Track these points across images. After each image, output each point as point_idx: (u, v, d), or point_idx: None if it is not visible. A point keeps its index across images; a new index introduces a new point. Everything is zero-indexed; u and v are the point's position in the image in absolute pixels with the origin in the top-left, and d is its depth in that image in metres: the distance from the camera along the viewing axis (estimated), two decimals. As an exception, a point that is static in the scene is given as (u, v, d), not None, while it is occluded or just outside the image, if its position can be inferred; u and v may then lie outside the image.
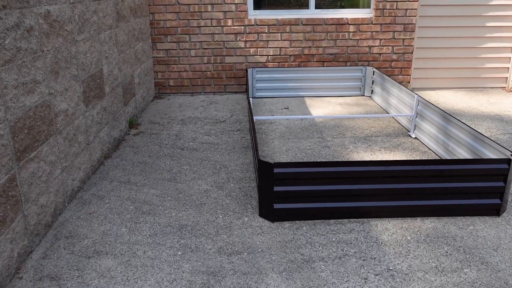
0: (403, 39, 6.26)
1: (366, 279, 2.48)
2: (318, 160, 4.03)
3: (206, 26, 6.15)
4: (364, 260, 2.64)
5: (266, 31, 6.18)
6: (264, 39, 6.22)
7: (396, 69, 6.41)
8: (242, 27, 6.16)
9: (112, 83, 4.33)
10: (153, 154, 4.26)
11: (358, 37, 6.24)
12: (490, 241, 2.81)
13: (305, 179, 2.95)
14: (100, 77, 4.00)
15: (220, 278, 2.50)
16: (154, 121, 5.25)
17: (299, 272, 2.54)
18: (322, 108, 5.65)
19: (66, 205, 3.28)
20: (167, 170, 3.89)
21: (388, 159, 3.93)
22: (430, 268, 2.55)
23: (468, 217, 3.08)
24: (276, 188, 2.96)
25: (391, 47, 6.30)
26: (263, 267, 2.58)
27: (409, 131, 4.76)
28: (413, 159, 4.00)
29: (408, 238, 2.85)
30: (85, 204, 3.32)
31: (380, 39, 6.26)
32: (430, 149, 4.26)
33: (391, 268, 2.57)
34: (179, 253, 2.73)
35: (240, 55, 6.29)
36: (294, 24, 6.16)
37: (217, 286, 2.43)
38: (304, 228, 2.98)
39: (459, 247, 2.75)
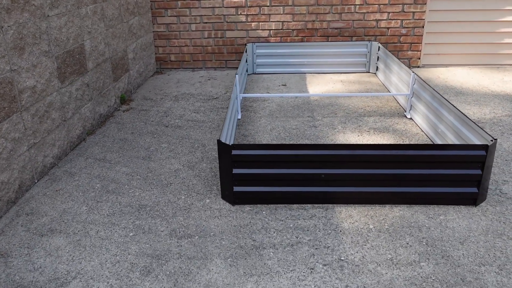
0: (413, 12, 5.90)
1: (312, 269, 2.37)
2: (300, 141, 3.88)
3: (207, 0, 5.99)
4: (316, 248, 2.52)
5: (267, 4, 5.96)
6: (265, 13, 6.01)
7: (405, 44, 6.06)
8: (243, 0, 5.95)
9: (97, 59, 4.29)
10: (136, 131, 4.22)
11: (364, 10, 5.92)
12: (458, 232, 2.63)
13: (264, 161, 2.83)
14: (81, 52, 3.95)
15: (163, 261, 2.45)
16: (148, 97, 5.21)
17: (245, 259, 2.46)
18: (321, 85, 5.44)
19: (36, 181, 3.30)
20: (145, 148, 3.85)
21: (367, 143, 3.75)
22: (384, 260, 2.41)
23: (443, 206, 2.89)
24: (235, 171, 2.86)
25: (400, 21, 5.95)
26: (210, 252, 2.51)
27: (405, 111, 4.51)
28: (385, 143, 3.80)
29: (370, 227, 2.70)
30: (55, 181, 3.34)
31: (388, 12, 5.92)
32: (423, 131, 4.02)
33: (342, 258, 2.44)
34: (131, 234, 2.70)
35: (241, 30, 6.11)
36: (297, -4, 5.91)
37: (158, 270, 2.39)
38: (264, 212, 2.88)
39: (423, 238, 2.59)
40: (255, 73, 6.05)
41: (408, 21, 5.94)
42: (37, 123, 3.29)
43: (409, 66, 6.18)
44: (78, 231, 2.74)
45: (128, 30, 5.16)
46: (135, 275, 2.36)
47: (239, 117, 4.46)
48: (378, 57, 5.75)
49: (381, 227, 2.70)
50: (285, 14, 6.00)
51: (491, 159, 2.76)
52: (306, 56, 5.94)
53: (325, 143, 3.79)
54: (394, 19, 5.95)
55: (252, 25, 6.07)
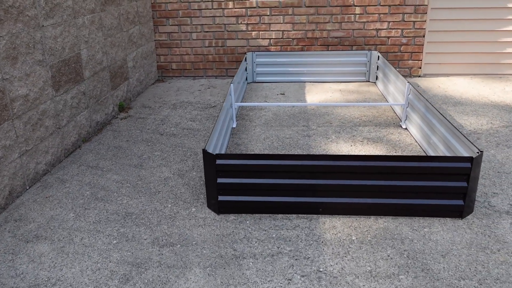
0: (414, 21, 5.88)
1: (290, 280, 2.36)
2: (293, 150, 3.88)
3: (207, 9, 6.04)
4: (296, 259, 2.52)
5: (268, 14, 5.99)
6: (266, 22, 6.04)
7: (406, 53, 6.04)
8: (244, 9, 6.00)
9: (94, 67, 4.35)
10: (132, 139, 4.27)
11: (364, 20, 5.93)
12: (441, 245, 2.60)
13: (248, 171, 2.84)
14: (77, 61, 4.02)
15: (143, 270, 2.47)
16: (146, 105, 5.26)
17: (224, 268, 2.46)
18: (319, 94, 5.44)
19: (27, 188, 3.35)
20: (138, 156, 3.88)
21: (359, 153, 3.74)
22: (363, 273, 2.40)
23: (429, 218, 2.87)
24: (219, 180, 2.87)
25: (400, 30, 5.94)
26: (190, 261, 2.52)
27: (401, 121, 4.49)
28: (374, 154, 3.78)
29: (353, 238, 2.69)
30: (46, 187, 3.38)
31: (389, 22, 5.91)
32: (417, 142, 4.00)
33: (321, 270, 2.43)
34: (114, 242, 2.72)
35: (242, 39, 6.15)
36: (297, 6, 5.93)
37: (137, 278, 2.41)
38: (247, 222, 2.88)
39: (404, 250, 2.56)
40: (255, 82, 6.08)
41: (408, 30, 5.92)
42: (30, 131, 3.35)
43: (410, 76, 6.15)
44: (63, 238, 2.77)
45: (128, 39, 5.23)
46: (114, 283, 2.38)
47: (234, 125, 4.48)
48: (377, 66, 5.74)
49: (363, 239, 2.68)
50: (285, 23, 6.02)
51: (477, 172, 2.73)
52: (306, 65, 5.95)
53: (312, 153, 3.79)
54: (394, 29, 5.93)
55: (253, 34, 6.11)
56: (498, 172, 3.43)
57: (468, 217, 2.86)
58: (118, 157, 3.88)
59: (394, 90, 4.86)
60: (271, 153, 3.84)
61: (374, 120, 4.57)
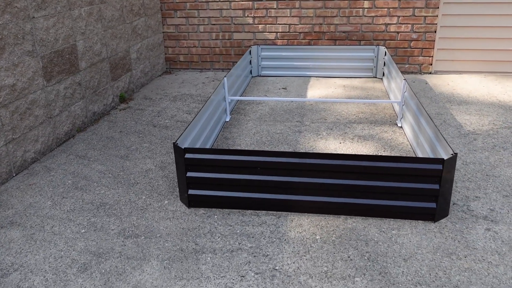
0: (425, 16, 5.68)
1: (243, 276, 2.35)
2: (279, 146, 3.84)
3: (214, 1, 6.03)
4: (255, 256, 2.50)
5: (274, 7, 5.93)
6: (272, 15, 5.98)
7: (416, 49, 5.85)
8: (250, 2, 5.96)
9: (91, 59, 4.43)
10: (125, 130, 4.33)
11: (373, 14, 5.77)
12: (406, 249, 2.52)
13: (217, 166, 2.83)
14: (72, 52, 4.10)
15: (103, 260, 2.51)
16: (148, 97, 5.33)
17: (181, 262, 2.47)
18: (321, 90, 5.35)
19: (14, 175, 3.46)
20: (127, 147, 3.94)
21: (347, 150, 3.67)
22: (319, 273, 2.35)
23: (400, 220, 2.78)
24: (189, 174, 2.88)
25: (410, 25, 5.75)
26: (150, 254, 2.55)
27: (397, 119, 4.36)
28: (355, 153, 3.69)
29: (317, 237, 2.64)
30: (32, 175, 3.49)
31: (398, 16, 5.73)
32: (409, 141, 3.88)
33: (277, 268, 2.40)
34: (83, 231, 2.78)
35: (249, 32, 6.11)
36: (304, -1, 5.84)
37: (95, 267, 2.45)
38: (215, 216, 2.88)
39: (366, 252, 2.50)
40: (260, 76, 6.04)
41: (419, 25, 5.73)
42: (17, 120, 3.45)
43: (420, 72, 5.96)
44: (36, 225, 2.85)
45: (131, 31, 5.30)
46: (72, 271, 2.43)
47: (227, 119, 4.47)
48: (384, 62, 5.59)
49: (327, 238, 2.63)
50: (292, 16, 5.95)
51: (450, 174, 2.62)
52: (312, 59, 5.86)
53: (297, 149, 3.74)
54: (404, 23, 5.75)
55: (259, 27, 6.07)
56: (486, 175, 3.29)
57: (442, 220, 2.76)
58: (108, 147, 3.95)
59: (395, 87, 4.73)
60: (253, 148, 3.81)
61: (371, 117, 4.46)
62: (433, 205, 2.69)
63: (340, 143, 3.89)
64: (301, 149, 3.78)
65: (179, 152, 2.84)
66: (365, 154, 2.79)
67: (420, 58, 5.89)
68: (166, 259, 2.50)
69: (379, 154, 3.66)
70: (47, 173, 3.51)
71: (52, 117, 3.88)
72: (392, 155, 3.60)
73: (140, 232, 2.74)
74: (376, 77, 5.80)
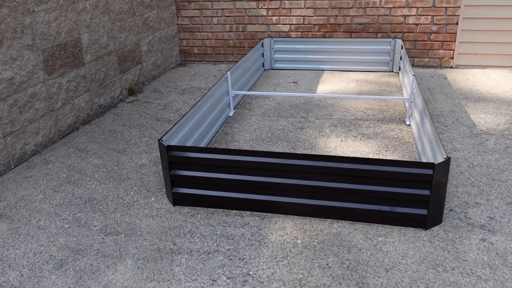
0: (446, 7, 5.39)
1: (215, 281, 2.28)
2: (279, 142, 3.73)
3: (228, -7, 5.94)
4: (230, 259, 2.43)
5: (288, -2, 5.78)
6: (286, 7, 5.83)
7: (436, 42, 5.57)
8: (264, -7, 5.83)
9: (97, 52, 4.45)
10: (128, 123, 4.33)
11: (391, 5, 5.53)
12: (390, 258, 2.38)
13: (200, 164, 2.76)
14: (75, 45, 4.12)
15: (80, 257, 2.50)
16: (157, 90, 5.32)
17: (156, 262, 2.43)
18: (332, 84, 5.18)
19: (13, 167, 3.52)
20: (126, 141, 3.94)
21: (347, 149, 3.53)
22: (292, 281, 2.26)
23: (390, 226, 2.64)
24: (172, 172, 2.83)
25: (430, 16, 5.47)
26: (127, 252, 2.52)
27: (406, 117, 4.16)
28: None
29: (298, 242, 2.54)
30: (30, 167, 3.53)
31: (417, 8, 5.47)
32: (414, 141, 3.69)
33: (250, 273, 2.32)
34: (66, 226, 2.79)
35: (262, 24, 5.99)
36: (319, -10, 5.66)
37: (70, 264, 2.44)
38: (199, 216, 2.82)
39: (347, 260, 2.38)
40: (273, 69, 5.92)
41: (439, 17, 5.44)
42: (16, 113, 3.50)
43: (441, 67, 5.68)
44: (23, 218, 2.88)
45: (142, 23, 5.29)
46: (48, 267, 2.44)
47: (231, 114, 4.40)
48: (401, 56, 5.35)
49: (309, 243, 2.52)
50: (307, 8, 5.78)
51: (442, 179, 2.45)
52: (326, 52, 5.69)
53: (293, 147, 3.62)
54: (423, 15, 5.48)
55: (273, 19, 5.93)
56: (492, 179, 3.08)
57: (434, 228, 2.60)
58: (108, 141, 3.96)
59: (407, 82, 4.51)
60: (251, 145, 3.72)
61: (379, 114, 4.28)
62: (423, 211, 2.54)
63: (342, 141, 3.75)
64: (300, 146, 3.67)
65: (163, 149, 2.79)
66: (353, 156, 2.66)
67: (441, 51, 5.60)
68: (141, 258, 2.47)
69: (380, 154, 3.50)
70: (44, 166, 3.55)
71: (54, 110, 3.91)
72: (381, 157, 3.44)
73: (122, 230, 2.72)
74: (392, 71, 5.57)
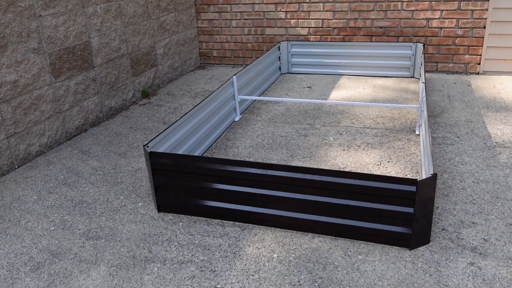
0: (472, 10, 5.10)
1: (181, 292, 2.24)
2: (278, 149, 3.65)
3: (246, -4, 5.90)
4: (202, 271, 2.37)
5: (307, 1, 5.66)
6: (305, 10, 5.71)
7: (461, 47, 5.29)
8: (283, -4, 5.74)
9: (108, 55, 4.52)
10: (135, 126, 4.37)
11: (413, 8, 5.29)
12: (366, 278, 2.25)
13: (182, 172, 2.72)
14: (85, 49, 4.20)
15: (57, 260, 2.53)
16: (171, 93, 5.35)
17: (128, 270, 2.42)
18: (347, 90, 5.02)
19: (16, 167, 3.62)
20: (128, 144, 3.97)
21: (347, 159, 3.41)
22: (259, 296, 2.18)
23: (374, 244, 2.50)
24: (155, 178, 2.81)
25: (455, 20, 5.20)
26: (102, 258, 2.52)
27: (416, 126, 3.96)
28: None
29: (274, 256, 2.45)
30: (32, 168, 3.63)
31: (442, 10, 5.20)
32: (419, 153, 3.50)
33: (218, 286, 2.26)
34: (52, 228, 2.83)
35: (281, 27, 5.90)
36: (338, -8, 5.50)
37: (46, 267, 2.47)
38: (181, 224, 2.79)
39: (320, 278, 2.27)
40: (291, 73, 5.82)
41: (465, 20, 5.16)
42: (21, 114, 3.60)
43: (466, 73, 5.39)
44: (14, 219, 2.95)
45: (158, 26, 5.33)
46: (25, 269, 2.47)
47: (237, 119, 4.35)
48: (422, 61, 5.11)
49: (285, 258, 2.43)
50: (326, 11, 5.64)
51: (427, 197, 2.29)
52: (344, 56, 5.53)
53: (287, 156, 3.52)
54: (448, 18, 5.21)
55: (292, 22, 5.83)
56: (497, 197, 2.86)
57: (420, 248, 2.43)
58: (111, 143, 4.01)
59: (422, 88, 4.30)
60: (249, 151, 3.65)
61: (390, 122, 4.10)
62: (407, 230, 2.38)
63: (344, 150, 3.61)
64: (298, 155, 3.56)
65: (147, 155, 2.78)
66: (336, 169, 2.53)
67: (466, 56, 5.31)
68: (115, 265, 2.46)
69: (381, 165, 3.35)
70: (46, 166, 3.64)
71: (61, 112, 4.01)
72: (381, 168, 3.28)
73: (103, 234, 2.73)
74: (413, 77, 5.34)
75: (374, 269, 2.31)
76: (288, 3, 5.75)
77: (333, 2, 5.57)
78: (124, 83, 4.82)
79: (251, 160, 3.52)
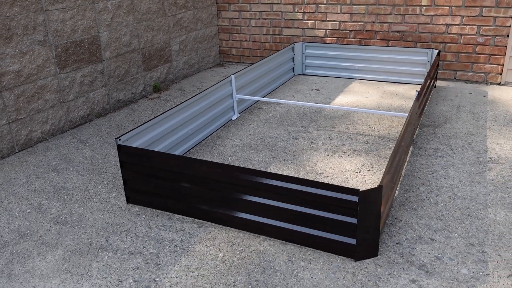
0: (495, 17, 4.83)
1: (121, 282, 2.31)
2: (263, 151, 3.65)
3: (265, -5, 5.91)
4: (147, 263, 2.44)
5: (324, 2, 5.58)
6: (322, 11, 5.64)
7: (482, 55, 5.03)
8: (300, -3, 5.70)
9: (118, 49, 4.70)
10: (137, 119, 4.52)
11: (432, 13, 5.09)
12: (300, 286, 2.22)
13: (146, 167, 2.80)
14: (93, 43, 4.40)
15: (22, 241, 2.69)
16: (183, 89, 5.47)
17: (80, 256, 2.53)
18: (355, 95, 4.92)
19: (16, 151, 3.86)
20: (125, 136, 4.12)
21: (328, 164, 3.37)
22: (191, 293, 2.22)
23: (322, 252, 2.46)
24: (123, 170, 2.91)
25: (476, 27, 4.94)
26: (62, 243, 2.65)
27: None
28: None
29: (220, 255, 2.48)
30: (31, 153, 3.85)
31: (462, 16, 4.97)
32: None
33: (157, 279, 2.32)
34: (28, 211, 3.00)
35: (298, 28, 5.86)
36: (356, -5, 5.39)
37: (11, 247, 2.63)
38: (143, 216, 2.87)
39: (255, 281, 2.27)
40: (304, 74, 5.78)
41: (487, 27, 4.90)
42: (24, 102, 3.83)
43: (486, 83, 5.11)
44: (-2, 199, 3.17)
45: (174, 23, 5.47)
46: (-8, 246, 2.66)
47: (234, 118, 4.39)
48: (429, 66, 4.92)
49: (229, 258, 2.45)
50: (343, 13, 5.54)
51: (371, 208, 2.23)
52: (358, 60, 5.41)
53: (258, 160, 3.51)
54: (469, 25, 4.97)
55: (309, 23, 5.78)
56: (468, 215, 2.73)
57: (366, 260, 2.37)
58: (110, 135, 4.17)
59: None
60: (234, 151, 3.68)
61: (386, 130, 3.98)
62: (352, 240, 2.33)
63: (328, 155, 3.56)
64: (280, 157, 3.55)
65: (118, 148, 2.89)
66: (283, 174, 2.49)
67: (487, 66, 5.04)
68: (71, 250, 2.59)
69: (360, 172, 3.27)
70: (43, 153, 3.86)
71: (66, 102, 4.22)
72: (360, 176, 3.20)
73: (71, 220, 2.87)
74: (428, 85, 5.14)
75: (312, 277, 2.28)
76: (305, 4, 5.71)
77: (350, 4, 5.46)
78: (134, 77, 4.99)
79: (233, 159, 3.55)
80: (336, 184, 3.09)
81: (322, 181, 2.38)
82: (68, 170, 3.53)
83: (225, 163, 3.48)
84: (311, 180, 2.33)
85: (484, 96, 4.74)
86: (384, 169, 3.31)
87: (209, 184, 2.66)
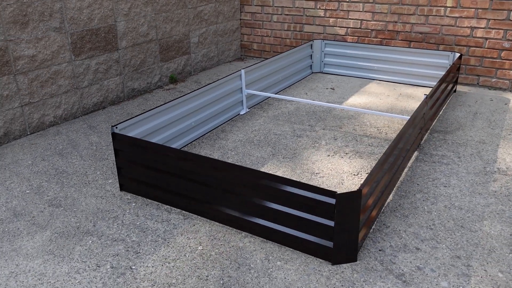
0: (523, 21, 4.60)
1: (99, 267, 2.36)
2: (264, 147, 3.63)
3: (288, -9, 5.85)
4: (127, 250, 2.48)
5: (347, 0, 5.47)
6: (344, 9, 5.53)
7: (507, 61, 4.80)
8: (323, -7, 5.61)
9: (135, 39, 4.77)
10: (148, 108, 4.59)
11: (457, 14, 4.90)
12: (271, 285, 2.20)
13: (138, 156, 2.84)
14: (109, 31, 4.48)
15: (16, 220, 2.78)
16: (199, 81, 5.50)
17: (66, 239, 2.59)
18: (369, 96, 4.81)
19: (28, 133, 4.00)
20: (133, 125, 4.19)
21: (327, 165, 3.32)
22: (163, 284, 2.23)
23: (300, 253, 2.42)
24: (118, 158, 2.96)
25: (503, 31, 4.72)
26: (51, 225, 2.73)
27: (420, 141, 3.70)
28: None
29: (199, 248, 2.48)
30: (42, 136, 3.98)
31: (488, 20, 4.76)
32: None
33: (133, 267, 2.35)
34: (27, 191, 3.11)
35: (319, 25, 5.78)
36: (379, -7, 5.25)
37: (4, 225, 2.73)
38: (133, 204, 2.91)
39: (228, 277, 2.26)
40: (323, 72, 5.69)
41: (514, 32, 4.68)
42: (37, 86, 3.96)
43: (511, 89, 4.88)
44: (2, 178, 3.28)
45: (194, 16, 5.50)
46: (-13, 223, 2.77)
47: (242, 112, 4.38)
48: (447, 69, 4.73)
49: (207, 252, 2.45)
50: (365, 12, 5.41)
51: (349, 212, 2.18)
52: (378, 61, 5.28)
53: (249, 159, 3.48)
54: (495, 29, 4.76)
55: (330, 21, 5.68)
56: (461, 226, 2.62)
57: (344, 265, 2.32)
58: (118, 121, 4.25)
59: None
60: (235, 146, 3.67)
61: (394, 133, 3.87)
62: (329, 243, 2.28)
63: (328, 156, 3.50)
64: (280, 154, 3.52)
65: (113, 137, 2.94)
66: (266, 172, 2.44)
67: (512, 72, 4.82)
68: (58, 232, 2.66)
69: (358, 175, 3.20)
70: (53, 136, 3.97)
71: (79, 88, 4.33)
72: (356, 178, 3.13)
73: (64, 204, 2.95)
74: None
75: (285, 278, 2.25)
76: (328, 1, 5.61)
77: (373, 3, 5.33)
78: (151, 67, 5.06)
79: (232, 153, 3.55)
80: (329, 185, 3.04)
81: (302, 182, 2.34)
82: (72, 154, 3.63)
83: (223, 157, 3.49)
84: (290, 179, 2.30)
85: (505, 104, 4.53)
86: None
87: (196, 177, 2.67)
